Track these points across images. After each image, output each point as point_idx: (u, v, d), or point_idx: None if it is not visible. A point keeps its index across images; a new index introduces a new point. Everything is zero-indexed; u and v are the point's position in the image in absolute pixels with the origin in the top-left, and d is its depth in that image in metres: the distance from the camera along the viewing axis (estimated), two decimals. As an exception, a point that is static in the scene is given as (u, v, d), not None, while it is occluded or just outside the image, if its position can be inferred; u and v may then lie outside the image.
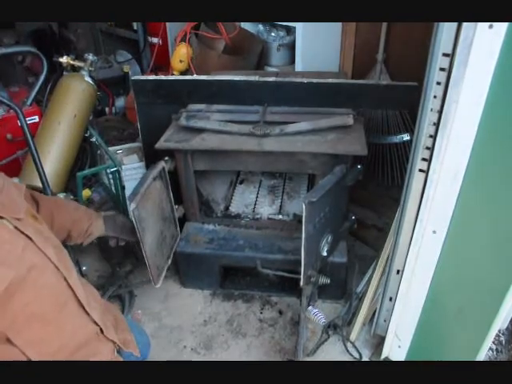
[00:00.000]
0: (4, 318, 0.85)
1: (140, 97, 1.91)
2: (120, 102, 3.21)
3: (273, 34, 2.68)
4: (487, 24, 0.95)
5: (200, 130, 1.73)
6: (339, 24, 2.55)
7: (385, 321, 1.66)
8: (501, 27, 0.94)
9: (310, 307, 1.51)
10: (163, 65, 2.99)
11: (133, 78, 1.88)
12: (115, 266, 1.99)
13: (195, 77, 1.86)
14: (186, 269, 1.89)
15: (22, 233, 0.91)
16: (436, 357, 1.46)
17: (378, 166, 2.57)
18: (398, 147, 2.51)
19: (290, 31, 2.65)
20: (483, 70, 1.00)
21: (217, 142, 1.66)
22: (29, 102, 2.13)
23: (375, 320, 1.67)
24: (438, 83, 1.18)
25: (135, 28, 3.49)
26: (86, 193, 2.01)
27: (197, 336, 1.74)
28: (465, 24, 0.98)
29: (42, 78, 2.12)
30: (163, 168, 1.69)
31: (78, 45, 3.86)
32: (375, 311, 1.69)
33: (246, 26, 2.71)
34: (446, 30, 1.12)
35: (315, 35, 2.46)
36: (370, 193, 2.55)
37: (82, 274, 1.89)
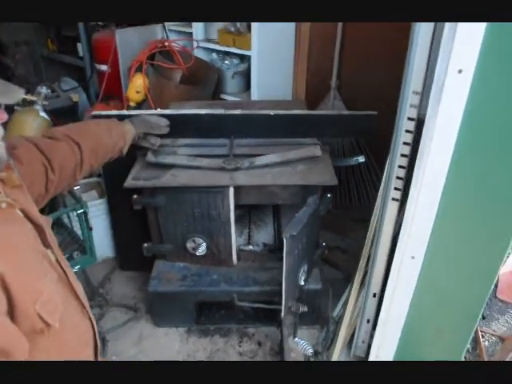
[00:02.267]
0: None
1: (101, 133, 1.85)
2: (69, 133, 3.07)
3: (226, 62, 2.71)
4: (457, 69, 1.03)
5: (168, 166, 1.70)
6: (292, 51, 2.64)
7: (363, 342, 1.71)
8: (469, 72, 1.03)
9: (297, 339, 1.52)
10: (115, 94, 2.91)
11: (93, 114, 1.81)
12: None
13: (158, 111, 1.82)
14: (160, 308, 1.83)
15: (61, 266, 0.91)
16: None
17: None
18: (353, 169, 2.61)
19: (244, 59, 2.70)
20: (454, 109, 1.08)
21: (188, 179, 1.64)
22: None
23: (354, 342, 1.71)
24: (410, 118, 1.27)
25: (81, 54, 3.38)
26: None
27: (177, 377, 1.69)
28: (437, 69, 1.06)
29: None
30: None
31: (17, 71, 3.68)
32: (353, 334, 1.73)
33: (200, 54, 2.73)
34: (415, 69, 1.21)
35: (270, 63, 2.52)
36: (330, 215, 2.62)
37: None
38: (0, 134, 0.80)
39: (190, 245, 1.77)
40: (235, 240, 1.80)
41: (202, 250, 1.76)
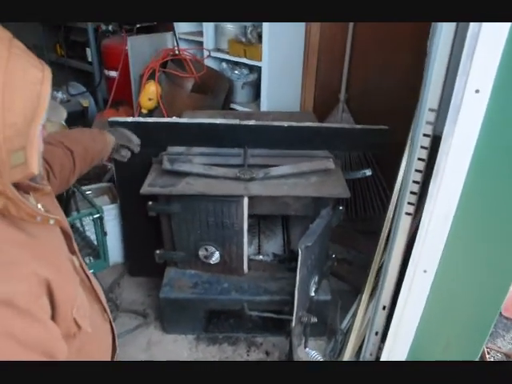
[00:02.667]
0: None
1: (116, 139, 1.87)
2: (78, 137, 3.09)
3: (236, 72, 2.76)
4: (474, 89, 1.07)
5: (184, 174, 1.73)
6: (301, 62, 2.68)
7: (371, 355, 1.72)
8: (486, 93, 1.06)
9: (307, 349, 1.54)
10: (124, 100, 2.95)
11: (110, 120, 1.84)
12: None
13: (175, 119, 1.86)
14: (170, 315, 1.85)
15: (84, 271, 0.92)
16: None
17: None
18: (359, 181, 2.64)
19: (253, 69, 2.74)
20: (471, 128, 1.11)
21: (204, 187, 1.66)
22: None
23: (362, 354, 1.73)
24: (425, 135, 1.30)
25: (89, 60, 3.42)
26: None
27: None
28: (455, 89, 1.09)
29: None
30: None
31: (25, 76, 3.70)
32: (360, 346, 1.75)
33: (209, 63, 2.77)
34: (432, 87, 1.24)
35: (279, 74, 2.57)
36: (336, 227, 2.65)
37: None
38: (40, 150, 0.79)
39: (202, 253, 1.79)
40: (247, 249, 1.82)
41: (215, 259, 1.78)
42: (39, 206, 0.85)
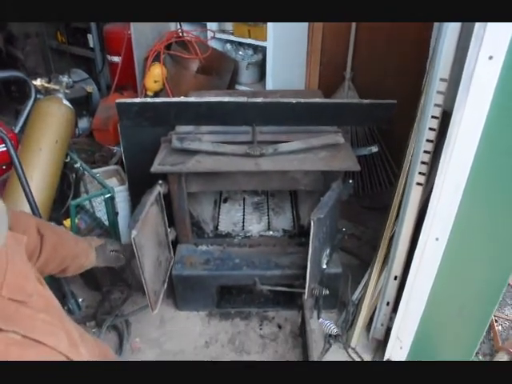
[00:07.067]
0: None
1: (124, 120, 1.87)
2: (83, 123, 3.10)
3: (240, 53, 2.75)
4: (488, 55, 1.07)
5: (193, 152, 1.74)
6: (306, 41, 2.68)
7: (382, 325, 1.76)
8: (500, 59, 1.06)
9: (321, 319, 1.57)
10: (128, 84, 2.94)
11: (117, 101, 1.84)
12: (106, 294, 1.93)
13: (183, 99, 1.85)
14: (183, 291, 1.87)
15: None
16: (436, 355, 1.57)
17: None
18: (366, 158, 2.65)
19: (257, 49, 2.73)
20: (483, 95, 1.11)
21: (214, 164, 1.68)
22: (17, 130, 2.06)
23: (373, 325, 1.76)
24: (436, 105, 1.31)
25: (91, 46, 3.41)
26: (67, 222, 1.92)
27: (201, 358, 1.73)
28: (468, 55, 1.09)
29: (29, 103, 2.05)
30: (159, 192, 1.69)
31: (27, 63, 3.71)
32: (371, 317, 1.78)
33: (213, 44, 2.76)
34: (443, 56, 1.24)
35: (284, 53, 2.56)
36: (343, 203, 2.67)
37: (79, 306, 1.83)
38: None
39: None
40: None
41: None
42: None
